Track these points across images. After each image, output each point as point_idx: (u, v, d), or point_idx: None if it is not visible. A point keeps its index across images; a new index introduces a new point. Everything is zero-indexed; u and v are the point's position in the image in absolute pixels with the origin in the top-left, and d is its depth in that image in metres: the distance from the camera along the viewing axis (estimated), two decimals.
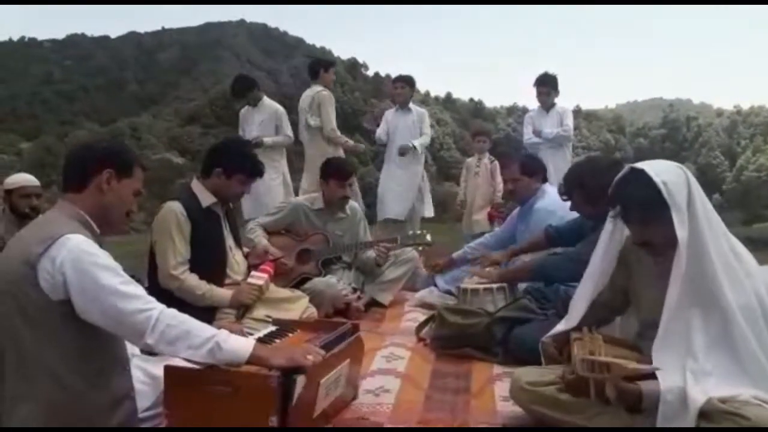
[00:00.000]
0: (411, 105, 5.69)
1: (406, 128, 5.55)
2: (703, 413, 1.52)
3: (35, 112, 67.48)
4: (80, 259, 1.53)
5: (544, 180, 3.60)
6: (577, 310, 2.07)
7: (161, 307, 1.60)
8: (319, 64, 5.42)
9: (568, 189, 2.75)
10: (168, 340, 1.57)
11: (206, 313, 2.66)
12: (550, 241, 3.16)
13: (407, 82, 5.63)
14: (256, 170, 2.93)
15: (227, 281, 2.91)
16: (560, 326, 2.11)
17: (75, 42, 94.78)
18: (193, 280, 2.75)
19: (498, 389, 2.34)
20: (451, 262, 3.86)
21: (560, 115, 5.62)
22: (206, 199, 2.85)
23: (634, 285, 1.99)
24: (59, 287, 1.53)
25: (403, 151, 5.40)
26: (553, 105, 5.65)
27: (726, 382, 1.59)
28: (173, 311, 1.62)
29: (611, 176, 2.65)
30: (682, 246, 1.66)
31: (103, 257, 1.58)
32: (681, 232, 1.67)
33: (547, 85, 5.58)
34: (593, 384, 1.66)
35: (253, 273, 2.93)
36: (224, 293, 2.80)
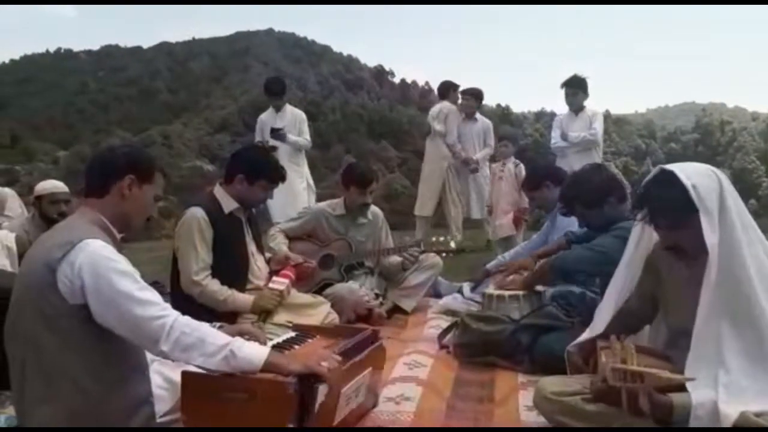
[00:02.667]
0: (477, 115, 6.24)
1: (473, 137, 6.09)
2: (736, 427, 1.45)
3: (71, 122, 69.52)
4: (98, 264, 1.54)
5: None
6: (603, 318, 2.01)
7: (176, 314, 1.59)
8: (449, 85, 6.22)
9: (567, 207, 2.83)
10: (182, 348, 1.56)
11: (228, 318, 2.67)
12: (571, 246, 3.11)
13: (473, 94, 6.21)
14: (278, 176, 2.94)
15: (249, 286, 2.91)
16: (585, 334, 2.05)
17: (109, 53, 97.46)
18: (214, 285, 2.76)
19: (522, 398, 2.29)
20: (486, 273, 3.80)
21: (590, 119, 5.47)
22: (229, 204, 2.86)
23: (663, 292, 1.92)
24: (77, 292, 1.53)
25: (475, 169, 5.99)
26: (583, 108, 5.50)
27: (762, 396, 1.51)
28: (188, 319, 1.61)
29: (598, 176, 2.69)
30: (712, 253, 1.60)
31: (122, 263, 1.59)
32: (710, 238, 1.60)
33: (573, 86, 5.45)
34: (626, 394, 1.60)
35: (274, 278, 2.93)
36: (246, 298, 2.81)
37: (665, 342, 1.94)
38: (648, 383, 1.55)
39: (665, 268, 1.89)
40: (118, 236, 1.75)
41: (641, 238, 1.97)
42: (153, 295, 1.59)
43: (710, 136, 69.16)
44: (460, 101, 6.17)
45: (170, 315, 1.57)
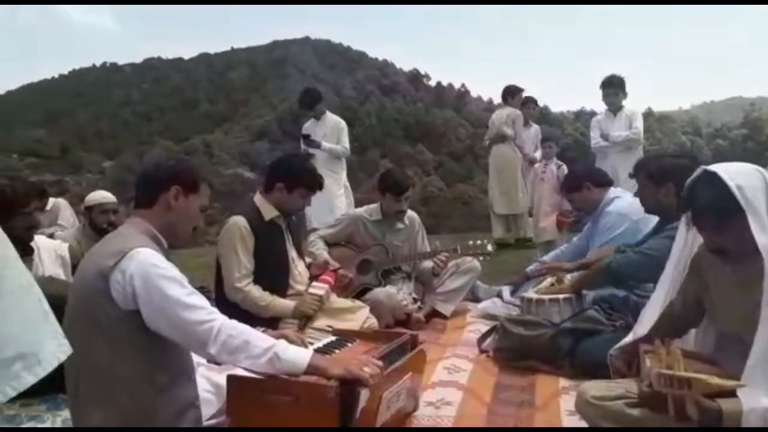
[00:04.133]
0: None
1: (529, 140, 6.58)
2: None
3: (116, 133, 71.78)
4: (148, 271, 1.60)
5: (606, 184, 3.50)
6: (647, 320, 1.97)
7: (223, 318, 1.65)
8: (510, 90, 6.68)
9: (635, 171, 2.82)
10: (229, 350, 1.61)
11: (270, 323, 2.73)
12: None
13: (535, 102, 6.91)
14: (316, 183, 3.00)
15: (290, 292, 2.98)
16: (628, 338, 2.01)
17: (152, 65, 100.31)
18: (256, 291, 2.82)
19: (564, 403, 2.27)
20: (525, 277, 3.76)
21: (629, 118, 5.47)
22: (269, 212, 2.94)
23: (709, 296, 1.87)
24: (129, 298, 1.60)
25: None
26: (621, 108, 5.49)
27: None
28: (234, 322, 1.66)
29: (672, 159, 2.64)
30: (765, 253, 1.54)
31: (170, 269, 1.64)
32: (762, 238, 1.55)
33: (613, 86, 5.44)
34: (672, 401, 1.56)
35: (314, 283, 2.98)
36: (287, 304, 2.86)
37: (713, 346, 1.89)
38: (696, 390, 1.51)
39: (710, 270, 1.84)
40: (166, 245, 1.81)
41: (687, 240, 1.92)
42: (200, 299, 1.65)
43: (759, 131, 66.38)
44: (529, 110, 6.68)
45: (217, 319, 1.62)
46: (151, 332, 1.62)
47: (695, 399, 1.51)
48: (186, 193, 1.82)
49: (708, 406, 1.51)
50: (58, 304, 1.73)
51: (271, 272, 2.91)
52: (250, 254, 2.84)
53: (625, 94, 5.50)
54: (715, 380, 1.53)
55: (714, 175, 1.65)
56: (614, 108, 5.49)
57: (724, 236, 1.67)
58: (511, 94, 6.65)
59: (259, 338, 1.66)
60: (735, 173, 1.63)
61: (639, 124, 5.43)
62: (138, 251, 1.62)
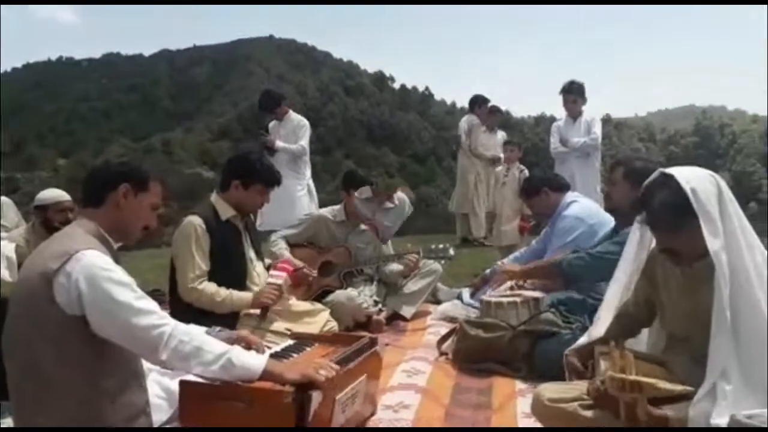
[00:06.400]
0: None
1: (497, 145, 6.77)
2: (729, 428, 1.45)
3: (73, 129, 69.66)
4: (95, 274, 1.54)
5: (563, 188, 3.56)
6: (602, 321, 2.01)
7: (174, 323, 1.60)
8: (477, 100, 7.06)
9: (612, 167, 2.82)
10: (181, 357, 1.57)
11: (229, 319, 2.67)
12: None
13: (500, 110, 7.31)
14: (273, 179, 2.93)
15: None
16: (584, 338, 2.05)
17: (111, 61, 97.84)
18: (211, 287, 2.74)
19: (521, 405, 2.28)
20: (484, 280, 3.80)
21: (588, 124, 5.58)
22: (225, 212, 2.87)
23: (659, 296, 1.91)
24: (74, 302, 1.53)
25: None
26: (580, 113, 5.59)
27: (761, 405, 1.50)
28: (186, 327, 1.61)
29: (655, 166, 2.66)
30: (717, 259, 1.58)
31: (118, 273, 1.59)
32: (713, 242, 1.59)
33: (573, 92, 5.55)
34: (623, 404, 1.59)
35: (271, 272, 2.90)
36: (245, 296, 2.79)
37: (664, 348, 1.94)
38: (646, 393, 1.55)
39: (660, 271, 1.88)
40: (116, 246, 1.75)
41: (642, 241, 1.96)
42: (150, 304, 1.59)
43: (710, 138, 69.08)
44: (494, 117, 7.02)
45: (168, 324, 1.58)
46: (99, 337, 1.56)
47: (645, 404, 1.54)
48: (136, 192, 1.77)
49: (654, 414, 1.55)
50: (0, 306, 1.67)
51: (228, 273, 2.84)
52: (205, 255, 2.76)
53: (584, 100, 5.61)
54: (665, 384, 1.57)
55: (670, 178, 1.69)
56: (574, 114, 5.59)
57: (676, 238, 1.71)
58: (477, 103, 7.00)
59: (212, 344, 1.61)
60: (690, 177, 1.67)
61: (597, 130, 5.55)
62: (84, 253, 1.56)
